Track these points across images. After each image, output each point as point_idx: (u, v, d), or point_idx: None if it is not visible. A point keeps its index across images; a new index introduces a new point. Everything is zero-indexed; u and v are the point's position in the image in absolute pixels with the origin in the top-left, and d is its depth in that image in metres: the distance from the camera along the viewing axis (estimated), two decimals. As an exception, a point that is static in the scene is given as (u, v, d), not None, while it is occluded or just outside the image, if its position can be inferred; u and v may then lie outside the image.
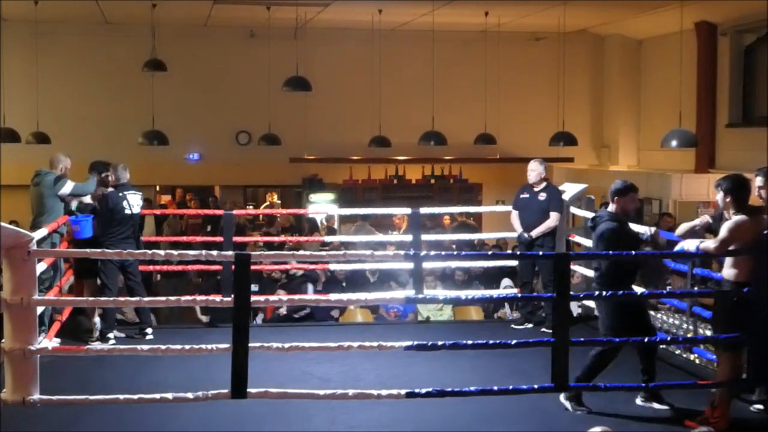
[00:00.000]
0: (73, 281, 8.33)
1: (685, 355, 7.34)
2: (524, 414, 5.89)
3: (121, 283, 8.20)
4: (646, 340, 5.90)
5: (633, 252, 5.88)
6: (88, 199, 8.02)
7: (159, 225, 15.34)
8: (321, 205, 16.77)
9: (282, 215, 15.84)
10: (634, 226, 6.40)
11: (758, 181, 5.85)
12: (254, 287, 9.25)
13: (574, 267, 8.59)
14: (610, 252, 5.83)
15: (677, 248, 6.02)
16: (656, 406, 6.04)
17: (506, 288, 10.13)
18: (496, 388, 5.58)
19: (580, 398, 5.98)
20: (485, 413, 5.84)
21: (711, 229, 6.41)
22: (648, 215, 15.98)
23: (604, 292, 5.86)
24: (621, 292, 5.80)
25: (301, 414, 5.82)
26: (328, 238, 12.43)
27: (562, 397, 5.99)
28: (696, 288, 7.35)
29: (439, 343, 5.69)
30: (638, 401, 6.10)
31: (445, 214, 15.05)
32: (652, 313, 8.58)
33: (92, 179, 8.11)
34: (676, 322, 7.94)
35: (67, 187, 7.85)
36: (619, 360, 6.21)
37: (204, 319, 9.09)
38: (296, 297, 7.55)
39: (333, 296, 8.20)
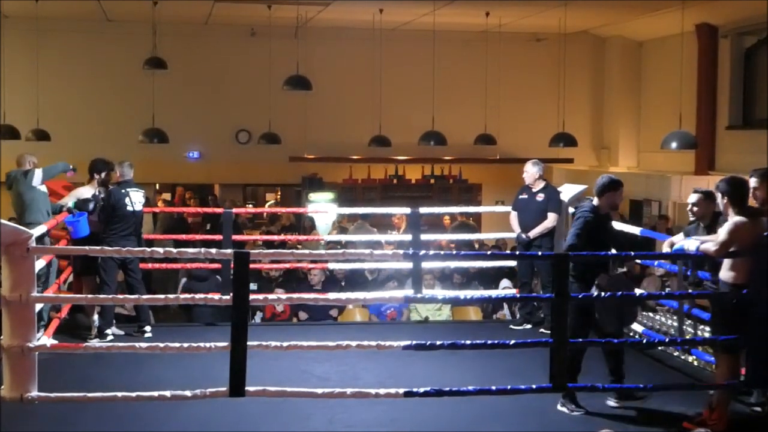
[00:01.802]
0: (72, 279, 8.32)
1: (683, 357, 7.34)
2: (522, 414, 5.89)
3: (120, 279, 8.20)
4: (649, 341, 5.88)
5: (632, 253, 5.89)
6: (87, 194, 7.99)
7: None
8: (320, 205, 16.75)
9: (283, 214, 15.82)
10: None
11: (753, 182, 5.86)
12: (253, 286, 9.28)
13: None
14: (609, 253, 5.84)
15: (676, 248, 6.02)
16: (629, 403, 6.02)
17: (505, 289, 10.13)
18: (494, 388, 5.58)
19: (574, 399, 5.98)
20: (483, 413, 5.84)
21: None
22: (647, 217, 16.00)
23: (579, 289, 5.88)
24: (619, 293, 5.80)
25: (300, 413, 5.82)
26: (327, 237, 12.42)
27: (558, 405, 5.99)
28: (692, 290, 7.35)
29: (438, 342, 5.69)
30: (611, 403, 6.08)
31: (445, 214, 15.05)
32: (650, 314, 8.61)
33: (63, 163, 8.22)
34: (675, 323, 7.93)
35: (38, 175, 7.87)
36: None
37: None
38: (295, 296, 7.53)
39: (332, 295, 8.20)
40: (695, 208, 6.51)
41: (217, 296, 6.32)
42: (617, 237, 6.56)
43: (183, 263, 9.62)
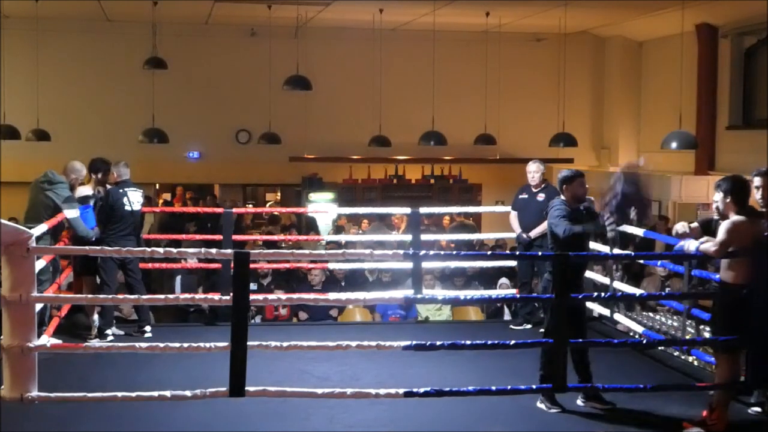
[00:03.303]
0: (72, 279, 8.32)
1: (683, 357, 7.34)
2: (522, 414, 5.89)
3: (120, 280, 8.19)
4: (650, 341, 5.86)
5: (633, 253, 5.89)
6: (87, 192, 7.97)
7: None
8: (320, 204, 16.78)
9: (283, 214, 15.83)
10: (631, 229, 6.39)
11: (756, 181, 5.84)
12: (253, 286, 9.28)
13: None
14: (611, 253, 5.83)
15: (677, 247, 6.01)
16: (598, 406, 6.00)
17: (502, 286, 10.07)
18: (494, 388, 5.57)
19: (553, 397, 5.98)
20: (483, 413, 5.84)
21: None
22: (647, 217, 15.99)
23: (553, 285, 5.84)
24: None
25: (300, 413, 5.81)
26: (328, 237, 12.43)
27: (537, 402, 5.99)
28: (694, 290, 7.35)
29: (438, 343, 5.68)
30: (579, 402, 6.06)
31: (445, 214, 15.06)
32: (650, 314, 8.61)
33: (96, 230, 7.79)
34: (675, 323, 7.94)
35: (70, 213, 7.51)
36: (612, 361, 6.21)
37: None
38: (295, 296, 7.53)
39: (332, 295, 8.19)
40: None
41: (217, 296, 6.33)
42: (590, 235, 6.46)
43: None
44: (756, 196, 5.85)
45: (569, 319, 5.65)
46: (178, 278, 9.81)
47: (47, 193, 7.54)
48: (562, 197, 6.26)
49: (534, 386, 5.68)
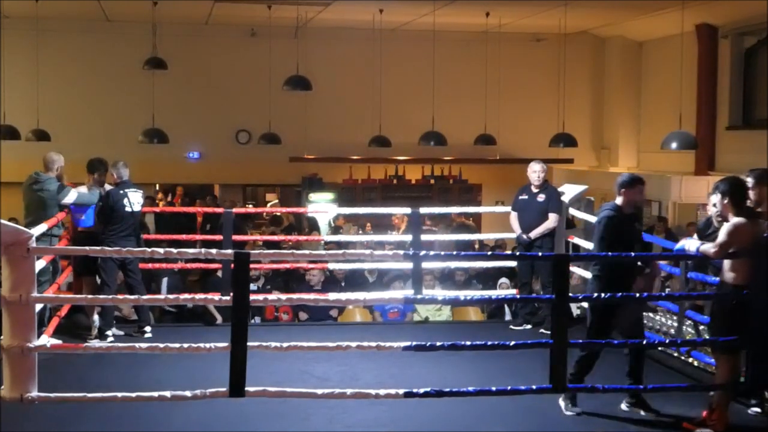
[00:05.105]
0: (72, 279, 8.32)
1: (683, 358, 7.34)
2: (522, 414, 5.89)
3: (120, 281, 8.19)
4: (649, 342, 5.85)
5: (633, 253, 5.89)
6: (86, 191, 7.98)
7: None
8: (320, 205, 16.79)
9: (282, 214, 15.83)
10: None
11: (748, 182, 5.85)
12: (253, 286, 9.29)
13: (573, 268, 8.59)
14: (610, 253, 5.83)
15: (677, 247, 6.01)
16: (642, 413, 5.99)
17: (502, 286, 10.08)
18: (494, 388, 5.57)
19: (575, 398, 5.98)
20: (483, 413, 5.84)
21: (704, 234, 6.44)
22: (647, 217, 16.02)
23: (599, 289, 5.84)
24: (619, 293, 5.78)
25: (300, 413, 5.82)
26: (327, 238, 12.43)
27: (560, 399, 5.99)
28: (693, 291, 7.35)
29: (438, 343, 5.68)
30: (623, 406, 6.05)
31: (425, 215, 15.04)
32: (650, 315, 8.60)
33: (94, 190, 7.92)
34: (675, 324, 7.93)
35: (71, 197, 7.68)
36: (614, 361, 6.21)
37: (218, 317, 9.14)
38: (295, 296, 7.53)
39: (332, 296, 8.19)
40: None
41: (217, 296, 6.33)
42: (641, 239, 6.44)
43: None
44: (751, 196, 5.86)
45: (629, 320, 5.64)
46: (165, 280, 9.81)
47: (38, 193, 7.63)
48: (617, 201, 6.09)
49: (534, 386, 5.68)
